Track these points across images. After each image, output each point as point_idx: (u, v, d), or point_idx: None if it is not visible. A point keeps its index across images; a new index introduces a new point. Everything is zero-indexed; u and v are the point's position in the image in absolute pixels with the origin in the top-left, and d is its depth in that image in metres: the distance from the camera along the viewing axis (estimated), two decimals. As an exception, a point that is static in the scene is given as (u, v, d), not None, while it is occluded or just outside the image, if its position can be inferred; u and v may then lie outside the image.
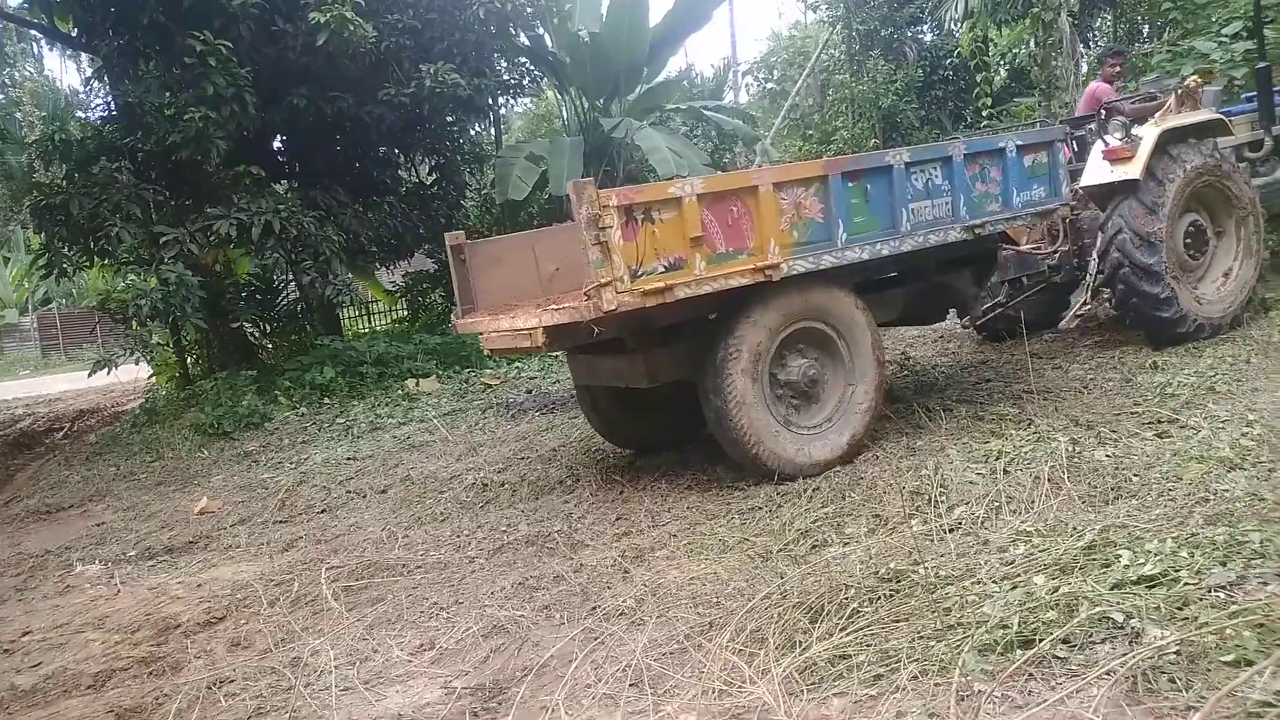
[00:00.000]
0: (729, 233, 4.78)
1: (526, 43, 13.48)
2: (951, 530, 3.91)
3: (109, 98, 11.94)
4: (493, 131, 16.37)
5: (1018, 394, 6.18)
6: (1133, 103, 7.65)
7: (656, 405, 6.16)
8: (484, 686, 3.32)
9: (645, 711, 2.88)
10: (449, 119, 12.88)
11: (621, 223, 4.44)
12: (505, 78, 13.55)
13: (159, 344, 11.76)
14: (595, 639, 3.50)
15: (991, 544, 3.64)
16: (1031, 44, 16.19)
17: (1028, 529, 3.70)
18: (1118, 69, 8.57)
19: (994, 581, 3.21)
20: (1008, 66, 20.02)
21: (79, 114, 20.53)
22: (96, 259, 10.73)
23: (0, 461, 10.77)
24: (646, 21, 13.61)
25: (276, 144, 12.82)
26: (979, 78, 17.22)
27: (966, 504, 4.18)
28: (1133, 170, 6.60)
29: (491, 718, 3.10)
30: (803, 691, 2.80)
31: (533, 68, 14.04)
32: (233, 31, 9.79)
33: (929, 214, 5.40)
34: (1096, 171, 6.83)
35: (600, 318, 4.51)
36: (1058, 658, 2.70)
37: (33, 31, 19.79)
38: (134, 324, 10.82)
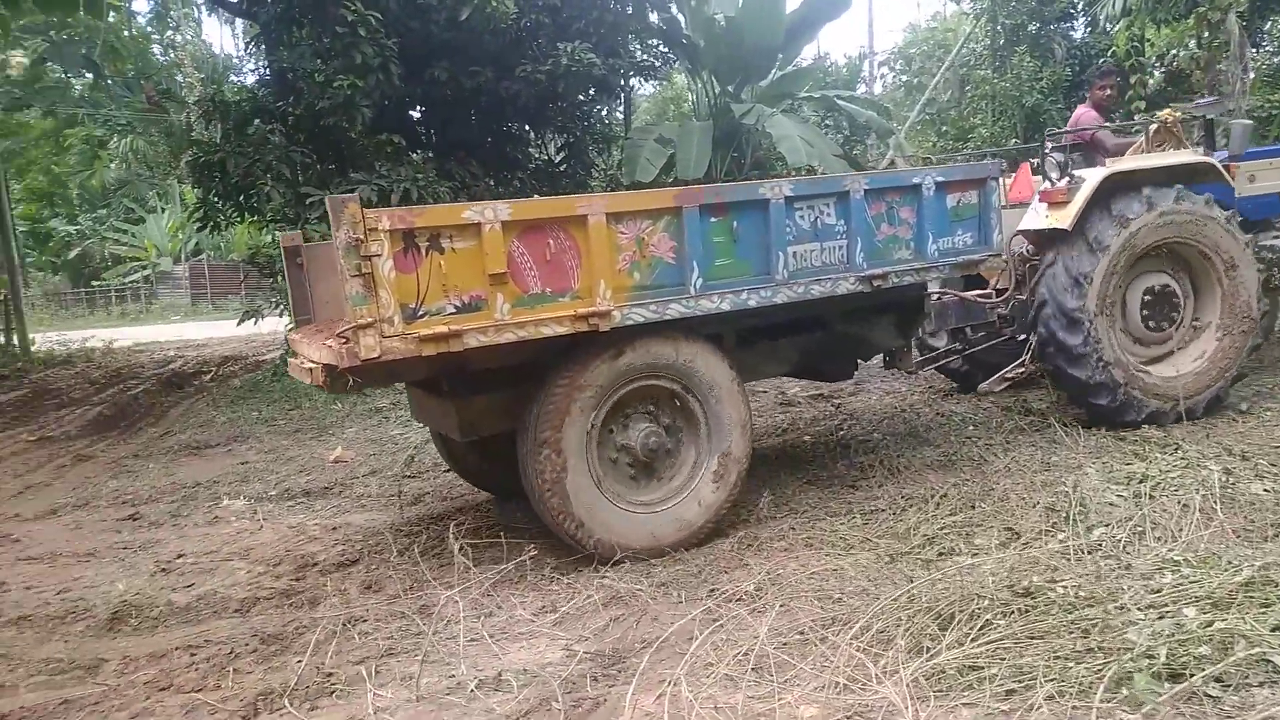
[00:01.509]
0: (546, 270, 3.93)
1: (661, 24, 13.49)
2: (1090, 551, 3.76)
3: (264, 63, 12.57)
4: (621, 112, 16.49)
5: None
6: (1120, 135, 6.69)
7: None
8: (604, 653, 3.41)
9: (766, 697, 2.90)
10: (581, 98, 13.02)
11: (397, 250, 3.61)
12: (638, 59, 13.61)
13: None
14: (714, 620, 3.53)
15: (1135, 570, 3.49)
16: (1193, 46, 15.22)
17: (1175, 558, 3.53)
18: (1108, 92, 7.02)
19: (1139, 609, 3.08)
20: (1165, 69, 18.91)
21: (233, 78, 21.74)
22: (247, 215, 11.34)
23: (155, 398, 11.62)
24: (783, 7, 13.41)
25: (415, 115, 13.23)
26: (1133, 79, 16.31)
27: (1107, 526, 4.02)
28: (1063, 219, 5.58)
29: (611, 683, 3.18)
30: (930, 697, 2.77)
31: (666, 50, 14.06)
32: (382, 3, 10.14)
33: (815, 259, 4.53)
34: (1034, 215, 5.84)
35: (358, 367, 3.67)
36: (1210, 696, 2.58)
37: (196, -3, 21.03)
38: (279, 278, 11.41)
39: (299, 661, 3.57)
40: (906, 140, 17.86)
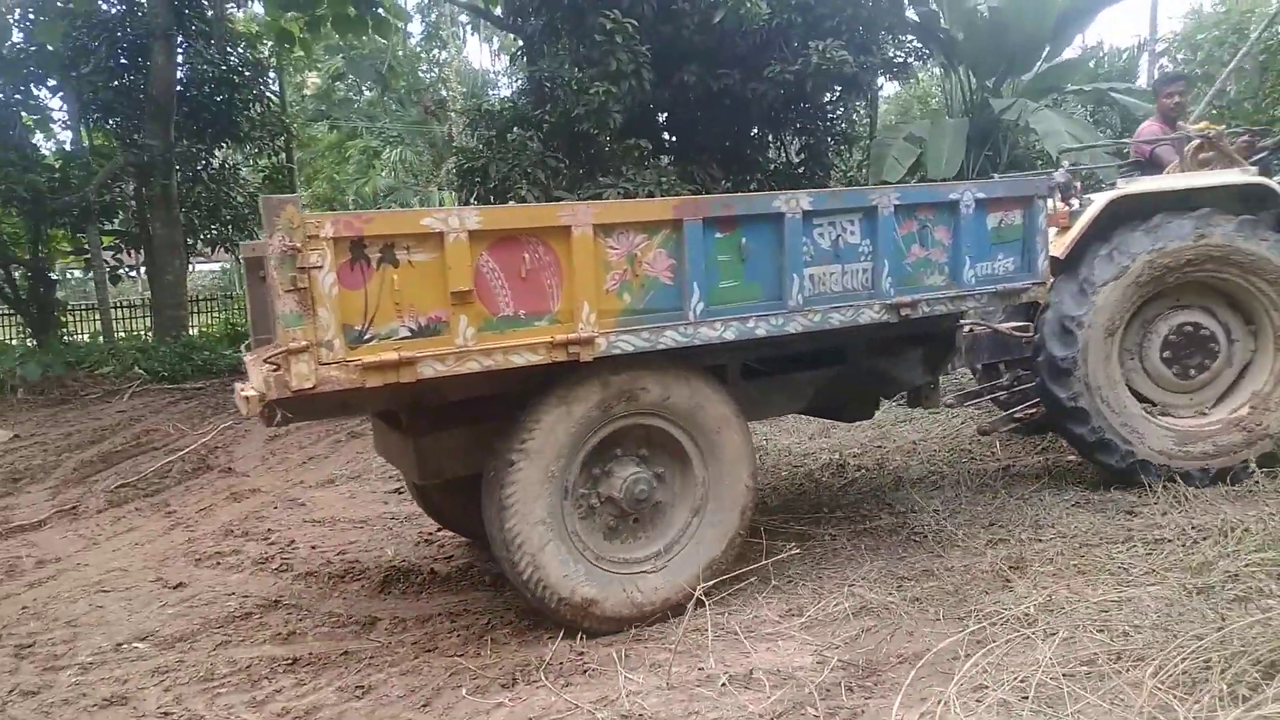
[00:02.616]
0: (520, 289, 3.33)
1: (916, 18, 12.95)
2: None
3: (524, 74, 13.35)
4: (863, 111, 16.01)
5: None
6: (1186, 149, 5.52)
7: None
8: (856, 663, 3.25)
9: (1049, 731, 2.63)
10: (825, 98, 12.77)
11: (342, 262, 3.04)
12: (890, 55, 13.14)
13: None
14: (979, 642, 3.27)
15: None
16: None
17: None
18: (1176, 100, 6.10)
19: None
20: None
21: (490, 91, 23.35)
22: (502, 216, 12.08)
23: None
24: (1054, -6, 12.44)
25: (661, 119, 13.54)
26: None
27: None
28: (1057, 247, 4.92)
29: (867, 695, 3.02)
30: (1255, 754, 2.38)
31: (920, 45, 13.47)
32: (638, 10, 10.45)
33: (835, 284, 3.92)
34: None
35: (290, 398, 3.06)
36: None
37: (462, 16, 22.77)
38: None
39: (549, 638, 3.69)
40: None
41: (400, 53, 20.87)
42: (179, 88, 13.16)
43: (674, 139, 13.43)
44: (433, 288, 3.18)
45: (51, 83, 13.31)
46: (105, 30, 12.66)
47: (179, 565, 5.07)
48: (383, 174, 22.69)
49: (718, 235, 3.65)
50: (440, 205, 20.11)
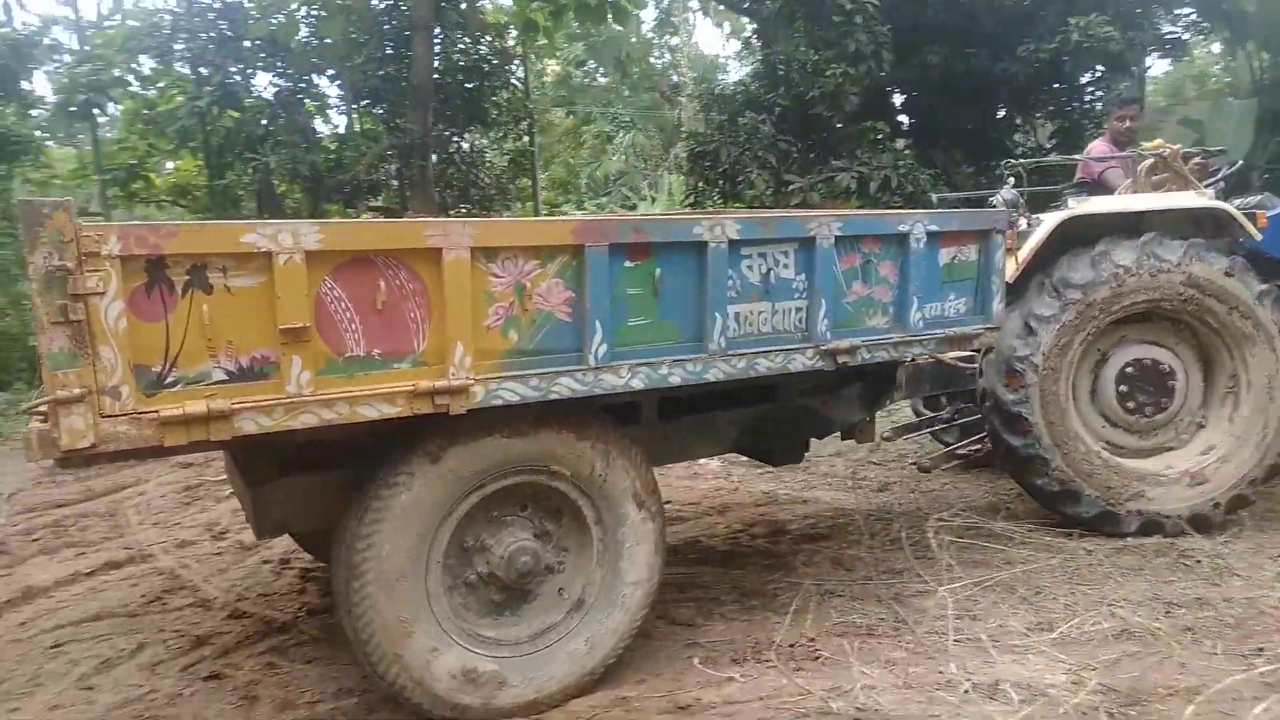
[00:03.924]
0: (375, 324, 2.68)
1: (1198, -10, 11.63)
2: None
3: (754, 57, 13.28)
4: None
5: None
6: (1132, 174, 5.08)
7: None
8: (1119, 689, 2.99)
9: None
10: (1084, 79, 11.78)
11: (135, 287, 2.37)
12: (1162, 31, 11.90)
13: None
14: (1269, 685, 2.91)
15: None
16: None
17: None
18: (1128, 124, 5.60)
19: None
20: None
21: (719, 76, 23.44)
22: (730, 201, 12.11)
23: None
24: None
25: (898, 102, 13.05)
26: None
27: None
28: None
29: (1132, 728, 2.77)
30: None
31: (1199, 19, 12.10)
32: (880, -10, 10.10)
33: (764, 324, 3.34)
34: None
35: (61, 457, 2.40)
36: None
37: (693, 2, 22.95)
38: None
39: (777, 621, 3.67)
40: None
41: (634, 39, 21.39)
42: (435, 76, 14.18)
43: (912, 122, 12.90)
44: (258, 321, 2.51)
45: (330, 72, 14.75)
46: (374, 24, 13.86)
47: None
48: (614, 158, 23.40)
49: (627, 264, 3.05)
50: (669, 190, 20.46)
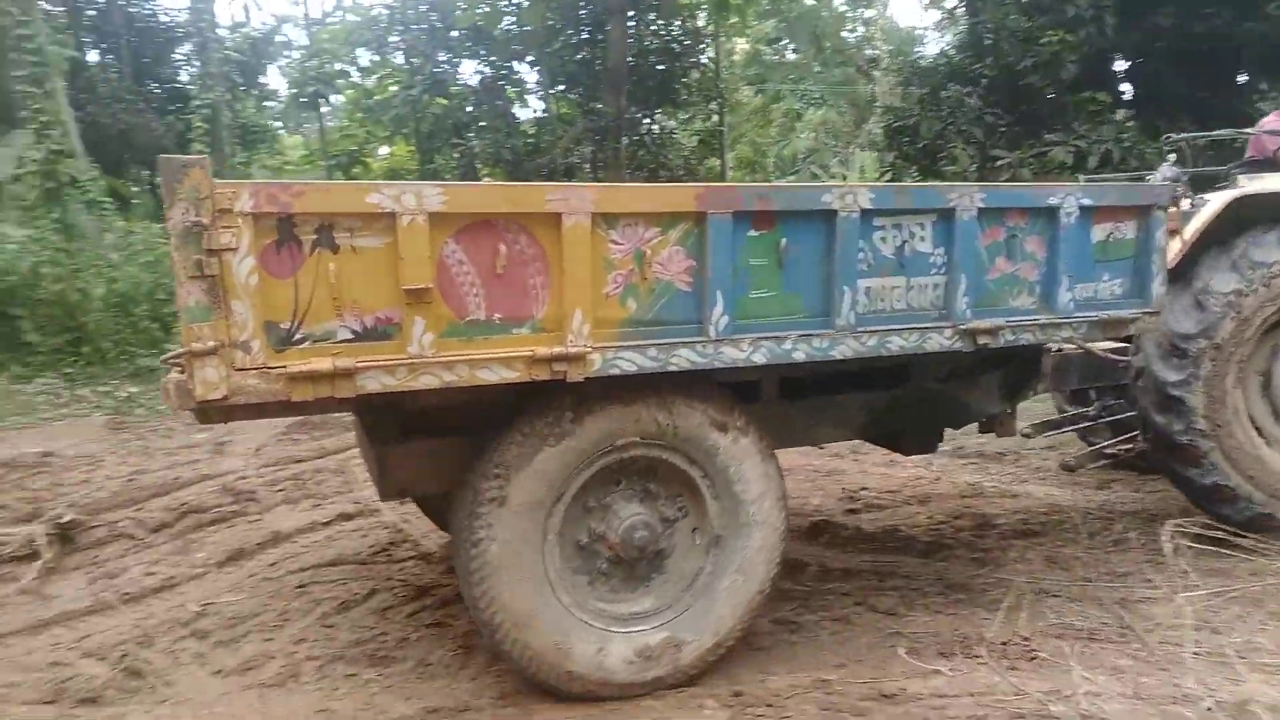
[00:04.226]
0: (495, 288, 2.68)
1: None
2: None
3: (957, 27, 12.61)
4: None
5: None
6: None
7: None
8: (1399, 726, 2.66)
9: None
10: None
11: (265, 244, 2.44)
12: None
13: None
14: None
15: None
16: None
17: None
18: None
19: None
20: None
21: (916, 49, 22.45)
22: (930, 176, 11.63)
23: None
24: None
25: (1119, 69, 12.03)
26: None
27: None
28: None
29: None
30: None
31: None
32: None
33: (897, 300, 3.15)
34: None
35: (195, 408, 2.51)
36: None
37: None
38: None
39: (986, 617, 3.52)
40: None
41: (826, 14, 20.86)
42: (629, 58, 14.44)
43: (1136, 91, 11.87)
44: (382, 281, 2.57)
45: (529, 58, 15.34)
46: (571, 9, 14.27)
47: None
48: (803, 135, 23.01)
49: (751, 233, 2.95)
50: (860, 168, 19.88)
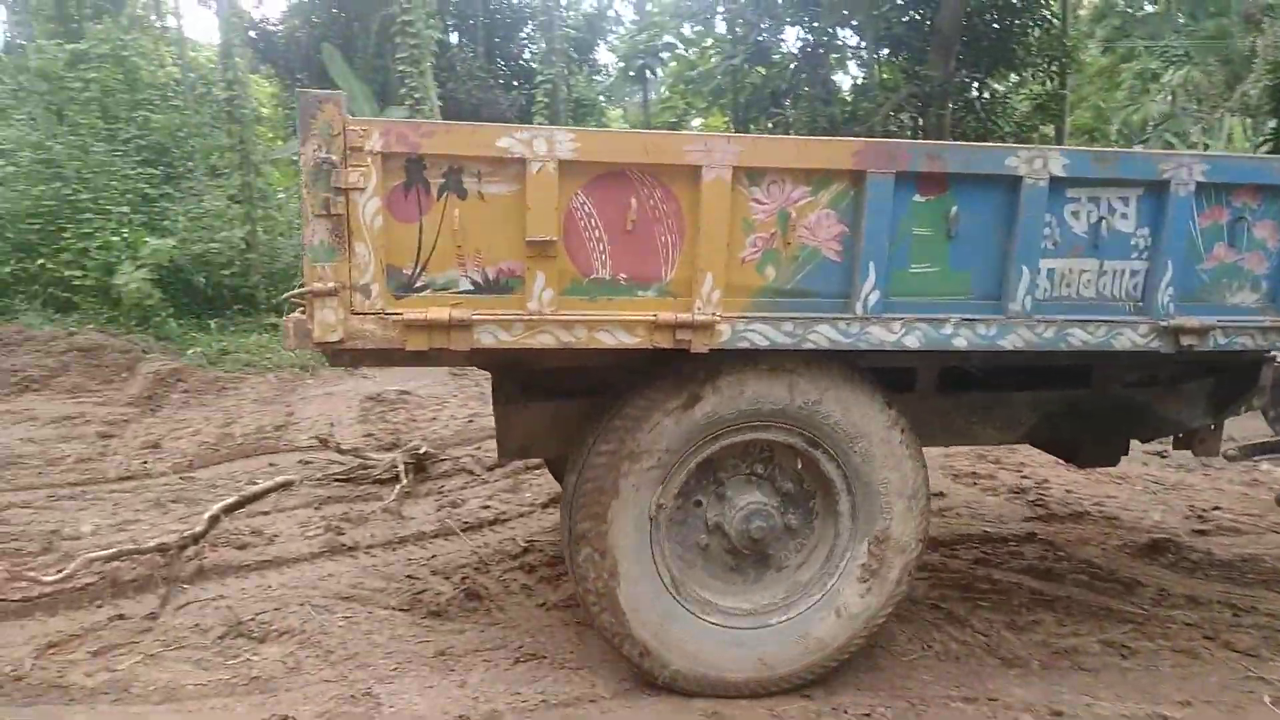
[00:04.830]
0: (624, 246, 2.48)
1: None
2: None
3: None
4: None
5: None
6: None
7: None
8: None
9: None
10: None
11: (393, 185, 2.35)
12: None
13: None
14: None
15: None
16: None
17: None
18: None
19: None
20: None
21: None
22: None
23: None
24: None
25: None
26: None
27: None
28: None
29: None
30: None
31: None
32: None
33: (1086, 286, 2.70)
34: None
35: (321, 346, 2.43)
36: None
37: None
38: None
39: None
40: None
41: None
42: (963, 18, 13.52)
43: None
44: (507, 232, 2.45)
45: (854, 23, 14.89)
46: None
47: (935, 476, 5.40)
48: (1157, 98, 20.37)
49: (916, 198, 2.58)
50: (1228, 135, 17.33)
